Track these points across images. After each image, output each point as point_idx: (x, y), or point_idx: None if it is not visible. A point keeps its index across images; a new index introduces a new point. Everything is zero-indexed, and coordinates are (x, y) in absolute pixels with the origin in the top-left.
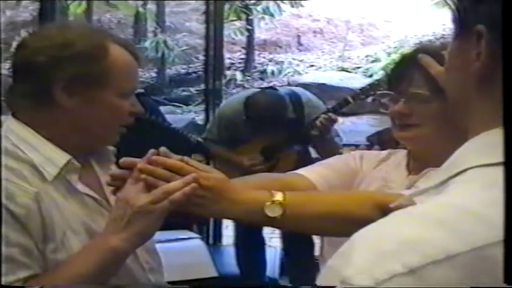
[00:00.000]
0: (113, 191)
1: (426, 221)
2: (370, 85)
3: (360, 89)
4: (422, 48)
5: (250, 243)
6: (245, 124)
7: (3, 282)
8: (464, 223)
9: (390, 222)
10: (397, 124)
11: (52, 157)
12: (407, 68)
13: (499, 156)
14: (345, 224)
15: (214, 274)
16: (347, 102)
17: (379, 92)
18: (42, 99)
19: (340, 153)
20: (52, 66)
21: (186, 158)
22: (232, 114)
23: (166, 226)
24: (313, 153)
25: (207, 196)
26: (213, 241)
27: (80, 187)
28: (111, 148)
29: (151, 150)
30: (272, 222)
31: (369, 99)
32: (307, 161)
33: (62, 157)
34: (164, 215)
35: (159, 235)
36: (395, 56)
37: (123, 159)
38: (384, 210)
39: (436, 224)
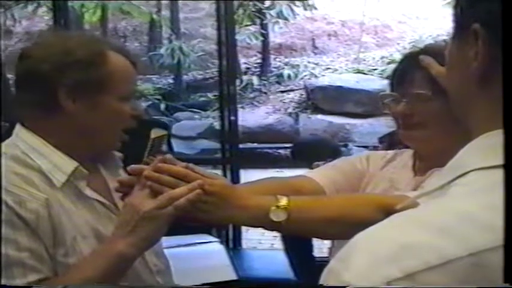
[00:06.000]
0: (121, 197)
1: (424, 225)
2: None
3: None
4: (424, 49)
5: (299, 247)
6: None
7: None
8: (462, 228)
9: (389, 226)
10: (400, 125)
11: (60, 164)
12: (408, 69)
13: (500, 158)
14: (350, 228)
15: (234, 277)
16: None
17: (381, 94)
18: (47, 106)
19: None
20: (56, 73)
21: (191, 165)
22: None
23: (186, 230)
24: None
25: (212, 202)
26: (233, 245)
27: (89, 193)
28: (118, 154)
29: (158, 158)
30: (277, 226)
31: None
32: None
33: (69, 164)
34: (170, 221)
35: (178, 239)
36: None
37: (131, 167)
38: (389, 213)
39: (433, 229)
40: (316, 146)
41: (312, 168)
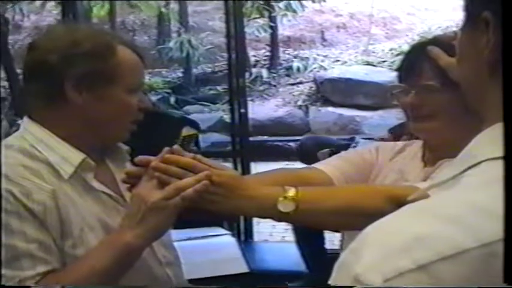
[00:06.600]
0: (128, 188)
1: (436, 216)
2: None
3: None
4: (433, 40)
5: (310, 240)
6: None
7: (20, 277)
8: (474, 218)
9: (400, 218)
10: (410, 116)
11: (67, 156)
12: (417, 60)
13: None
14: (359, 218)
15: (246, 270)
16: None
17: (390, 85)
18: (54, 98)
19: None
20: (63, 65)
21: (198, 156)
22: None
23: (197, 223)
24: None
25: (220, 193)
26: (244, 237)
27: (96, 185)
28: (125, 147)
29: (165, 149)
30: (285, 217)
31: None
32: None
33: (77, 156)
34: (177, 211)
35: (190, 232)
36: None
37: (138, 158)
38: (397, 204)
39: (446, 220)
40: (320, 145)
41: (317, 158)
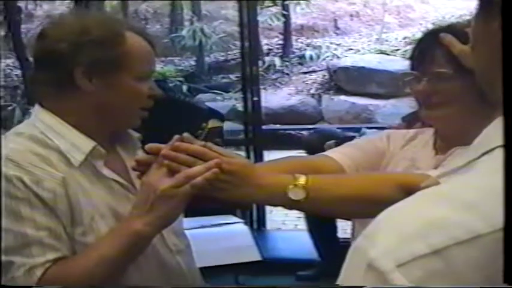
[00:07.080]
0: (138, 176)
1: (450, 201)
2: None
3: None
4: (445, 27)
5: (323, 228)
6: None
7: (33, 263)
8: (488, 204)
9: (415, 203)
10: (421, 104)
11: (78, 144)
12: (429, 47)
13: None
14: (369, 206)
15: (258, 258)
16: None
17: (402, 72)
18: (64, 86)
19: None
20: (72, 52)
21: (209, 144)
22: None
23: (210, 211)
24: None
25: (230, 181)
26: (257, 225)
27: (106, 172)
28: (137, 134)
29: (176, 136)
30: (296, 205)
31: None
32: None
33: (87, 143)
34: (187, 199)
35: (203, 220)
36: None
37: (149, 145)
38: (409, 191)
39: (460, 205)
40: (325, 138)
41: (324, 149)
